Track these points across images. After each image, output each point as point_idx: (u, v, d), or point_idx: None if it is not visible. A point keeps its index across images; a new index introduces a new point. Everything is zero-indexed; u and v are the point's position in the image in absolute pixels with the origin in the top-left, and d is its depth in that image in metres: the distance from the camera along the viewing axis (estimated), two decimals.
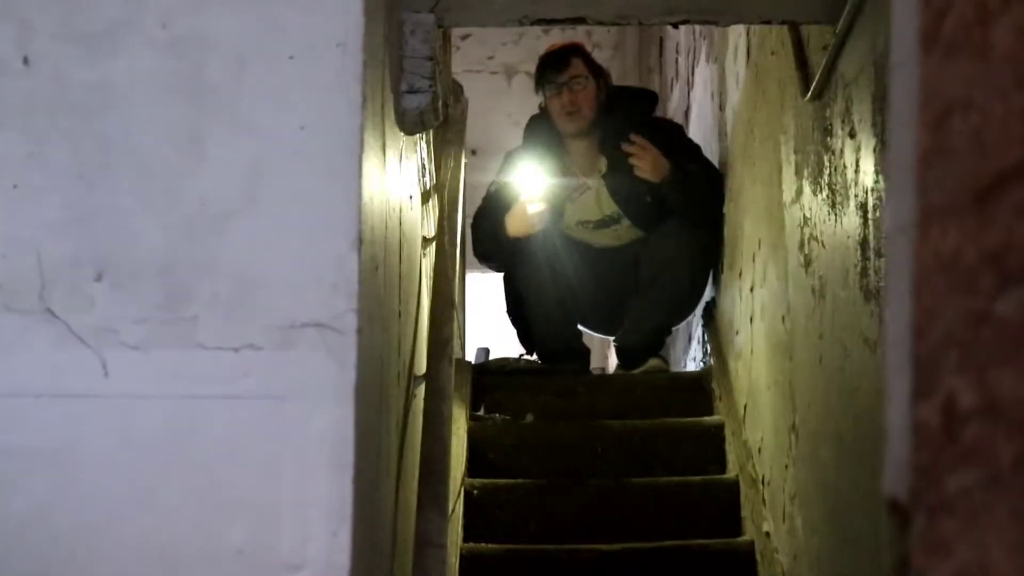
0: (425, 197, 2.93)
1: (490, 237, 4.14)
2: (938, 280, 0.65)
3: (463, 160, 3.72)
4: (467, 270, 5.21)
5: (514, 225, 4.06)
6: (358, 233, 1.55)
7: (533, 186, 4.09)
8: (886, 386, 0.70)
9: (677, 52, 5.68)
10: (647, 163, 3.99)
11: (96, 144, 1.54)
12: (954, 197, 0.64)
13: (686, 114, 5.30)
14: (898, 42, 0.73)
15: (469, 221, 4.28)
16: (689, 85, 5.22)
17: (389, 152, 1.95)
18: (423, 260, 2.87)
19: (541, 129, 4.26)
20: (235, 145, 1.56)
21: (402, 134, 2.18)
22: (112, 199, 1.54)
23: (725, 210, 4.02)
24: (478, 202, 4.38)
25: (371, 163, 1.68)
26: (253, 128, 1.56)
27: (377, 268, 1.77)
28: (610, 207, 4.21)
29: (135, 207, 1.54)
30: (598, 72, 4.23)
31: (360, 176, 1.56)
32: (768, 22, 2.58)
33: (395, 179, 2.08)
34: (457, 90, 3.64)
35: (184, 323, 1.52)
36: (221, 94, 1.57)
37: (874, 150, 2.11)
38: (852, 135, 2.28)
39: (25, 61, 1.55)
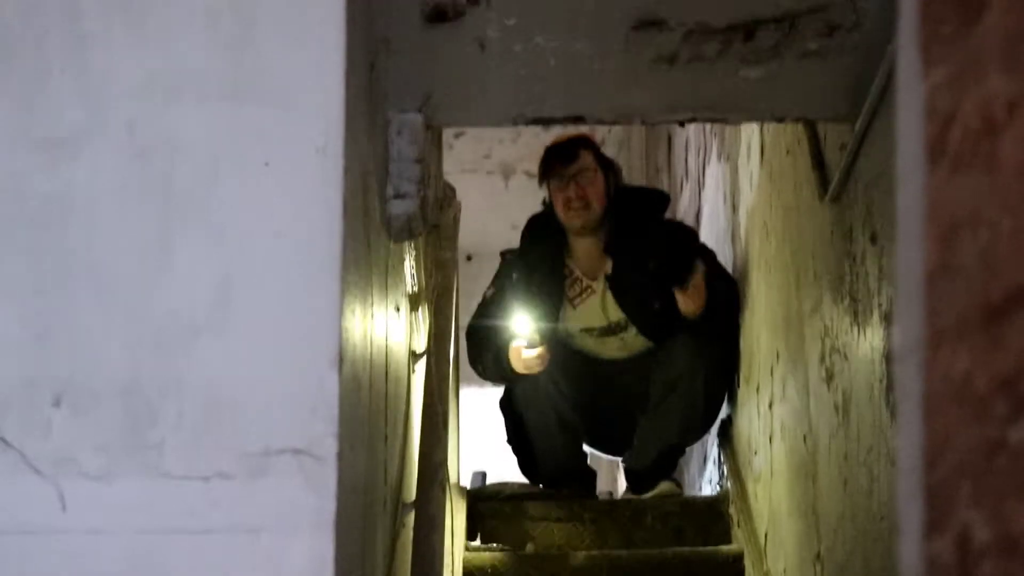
0: (414, 307, 2.94)
1: (493, 368, 4.17)
2: (949, 405, 0.66)
3: (456, 267, 3.75)
4: (462, 385, 5.20)
5: (516, 365, 4.09)
6: (339, 350, 1.55)
7: (522, 324, 4.05)
8: (899, 518, 0.71)
9: (686, 150, 5.74)
10: (693, 305, 3.94)
11: (55, 256, 1.56)
12: (963, 318, 0.66)
13: (697, 216, 5.35)
14: (904, 153, 0.75)
15: (463, 332, 4.29)
16: (700, 185, 5.28)
17: (374, 261, 1.97)
18: (412, 377, 2.87)
19: (542, 227, 4.26)
20: (205, 255, 1.57)
21: (388, 242, 2.21)
22: (72, 315, 1.55)
23: (741, 320, 4.04)
24: (474, 311, 4.39)
25: (353, 274, 1.69)
26: (224, 236, 1.58)
27: (360, 388, 1.78)
28: (616, 313, 4.20)
29: (96, 323, 1.55)
30: (608, 166, 4.23)
31: (341, 288, 1.58)
32: (782, 119, 2.61)
33: (380, 290, 2.09)
34: (449, 193, 3.68)
35: (149, 450, 1.52)
36: (190, 202, 1.58)
37: None
38: (873, 240, 2.30)
39: None
